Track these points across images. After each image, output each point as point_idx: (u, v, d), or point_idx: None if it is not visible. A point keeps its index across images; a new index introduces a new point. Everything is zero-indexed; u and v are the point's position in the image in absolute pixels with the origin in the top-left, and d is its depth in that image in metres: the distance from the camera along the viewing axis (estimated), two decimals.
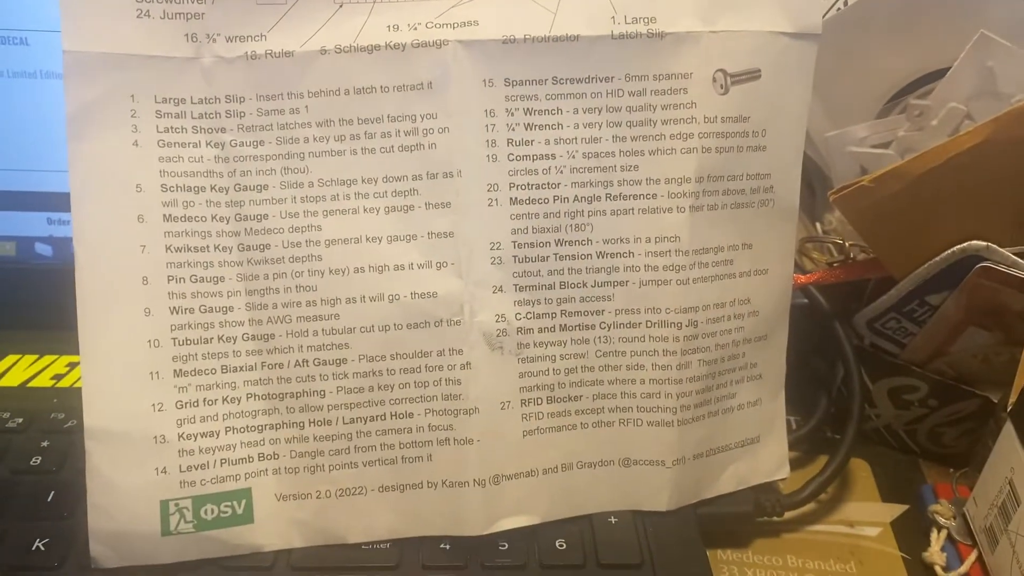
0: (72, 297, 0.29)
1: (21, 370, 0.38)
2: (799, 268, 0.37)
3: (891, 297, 0.34)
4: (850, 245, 0.36)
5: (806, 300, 0.37)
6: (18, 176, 0.37)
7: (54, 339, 0.36)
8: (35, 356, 0.38)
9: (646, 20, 0.30)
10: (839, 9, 0.37)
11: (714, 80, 0.30)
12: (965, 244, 0.31)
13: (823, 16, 0.36)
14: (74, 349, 0.29)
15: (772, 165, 0.32)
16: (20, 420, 0.35)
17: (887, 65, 0.36)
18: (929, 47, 0.35)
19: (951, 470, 0.37)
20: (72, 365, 0.38)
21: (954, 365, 0.35)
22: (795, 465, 0.36)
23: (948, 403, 0.36)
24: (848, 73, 0.36)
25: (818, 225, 0.40)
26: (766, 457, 0.34)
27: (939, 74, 0.35)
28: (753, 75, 0.31)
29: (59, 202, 0.37)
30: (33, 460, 0.33)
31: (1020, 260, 0.31)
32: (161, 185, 0.29)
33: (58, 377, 0.37)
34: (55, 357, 0.38)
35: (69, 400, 0.35)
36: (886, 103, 0.37)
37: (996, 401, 0.35)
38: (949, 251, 0.32)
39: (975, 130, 0.30)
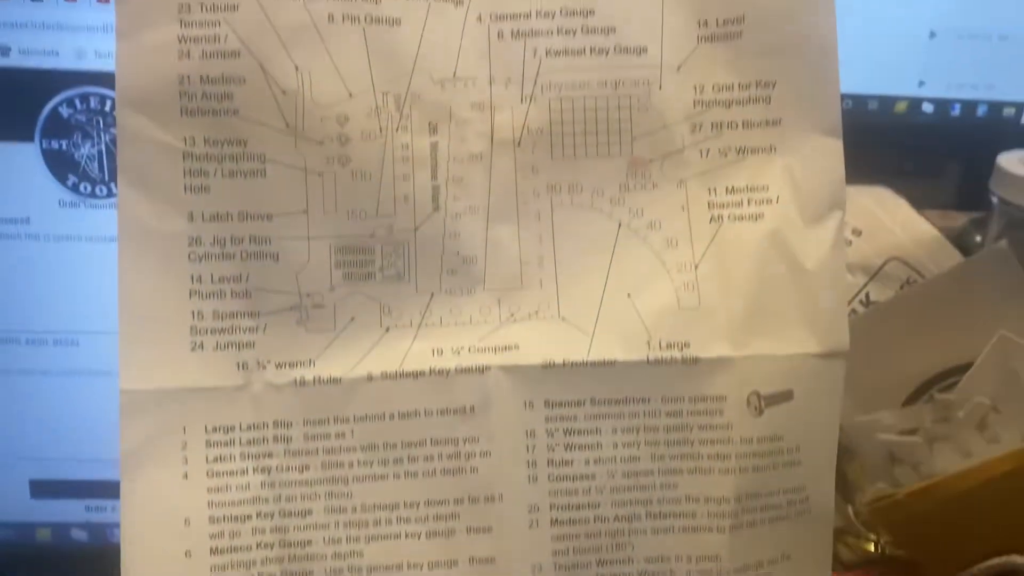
0: None
1: None
2: (837, 559, 0.36)
3: None
4: (885, 540, 0.36)
5: None
6: (59, 466, 0.38)
7: None
8: None
9: (680, 345, 0.31)
10: (860, 301, 0.39)
11: (748, 403, 0.31)
12: (1004, 559, 0.31)
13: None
14: None
15: (807, 477, 0.32)
16: None
17: (911, 359, 0.37)
18: (951, 345, 0.36)
19: None
20: None
21: None
22: None
23: None
24: (873, 365, 0.37)
25: (850, 508, 0.40)
26: None
27: (963, 368, 0.36)
28: (786, 396, 0.31)
29: (100, 490, 0.38)
30: None
31: None
32: (209, 517, 0.30)
33: None
34: None
35: None
36: (912, 392, 0.38)
37: None
38: (987, 563, 0.32)
39: (1007, 456, 0.30)
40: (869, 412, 0.38)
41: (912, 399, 0.38)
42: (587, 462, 0.31)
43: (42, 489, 0.38)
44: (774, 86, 0.31)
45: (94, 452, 0.37)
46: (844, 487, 0.41)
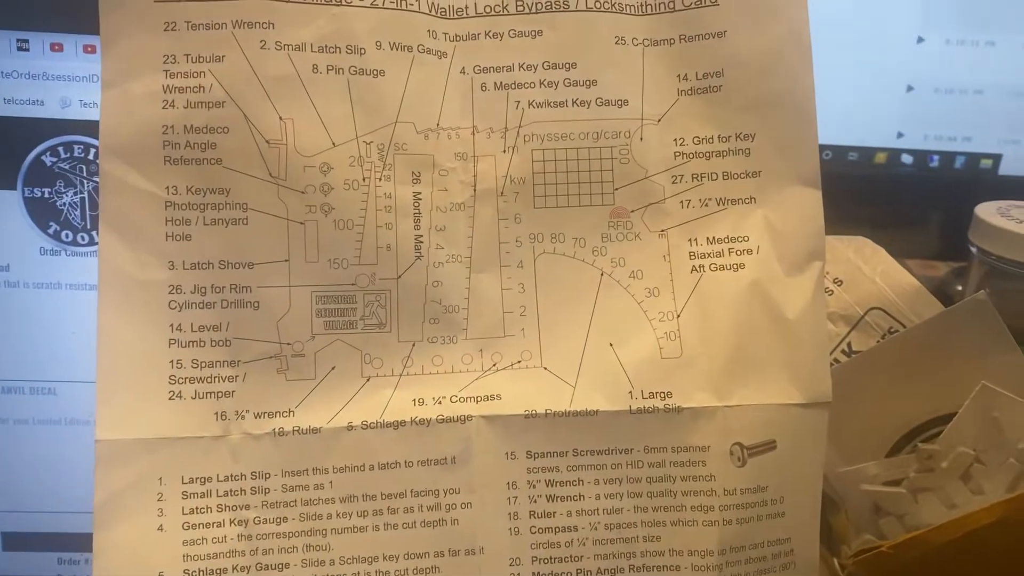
0: None
1: None
2: None
3: None
4: None
5: None
6: (32, 518, 0.37)
7: None
8: None
9: (662, 395, 0.31)
10: (843, 351, 0.39)
11: (731, 453, 0.31)
12: None
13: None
14: None
15: (791, 528, 0.32)
16: None
17: (894, 409, 0.37)
18: (933, 395, 0.36)
19: None
20: None
21: None
22: None
23: None
24: (856, 414, 0.37)
25: (835, 560, 0.39)
26: None
27: (946, 418, 0.36)
28: (769, 446, 0.31)
29: (73, 542, 0.37)
30: None
31: None
32: (184, 570, 0.29)
33: None
34: None
35: None
36: (896, 442, 0.38)
37: None
38: None
39: (990, 508, 0.30)
40: (853, 462, 0.38)
41: (896, 449, 0.38)
42: (569, 514, 0.31)
43: (14, 542, 0.37)
44: (753, 138, 0.32)
45: (68, 503, 0.37)
46: (829, 539, 0.40)
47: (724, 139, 0.32)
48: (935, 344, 0.36)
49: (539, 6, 0.32)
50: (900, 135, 0.58)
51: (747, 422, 0.31)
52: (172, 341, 0.30)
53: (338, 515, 0.30)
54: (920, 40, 0.56)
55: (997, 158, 0.58)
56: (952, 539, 0.31)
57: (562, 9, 0.32)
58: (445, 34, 0.31)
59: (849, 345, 0.39)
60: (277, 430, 0.30)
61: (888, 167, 0.59)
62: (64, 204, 0.36)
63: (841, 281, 0.41)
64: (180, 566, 0.29)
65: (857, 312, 0.40)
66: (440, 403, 0.31)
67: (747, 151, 0.32)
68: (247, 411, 0.30)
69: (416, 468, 0.30)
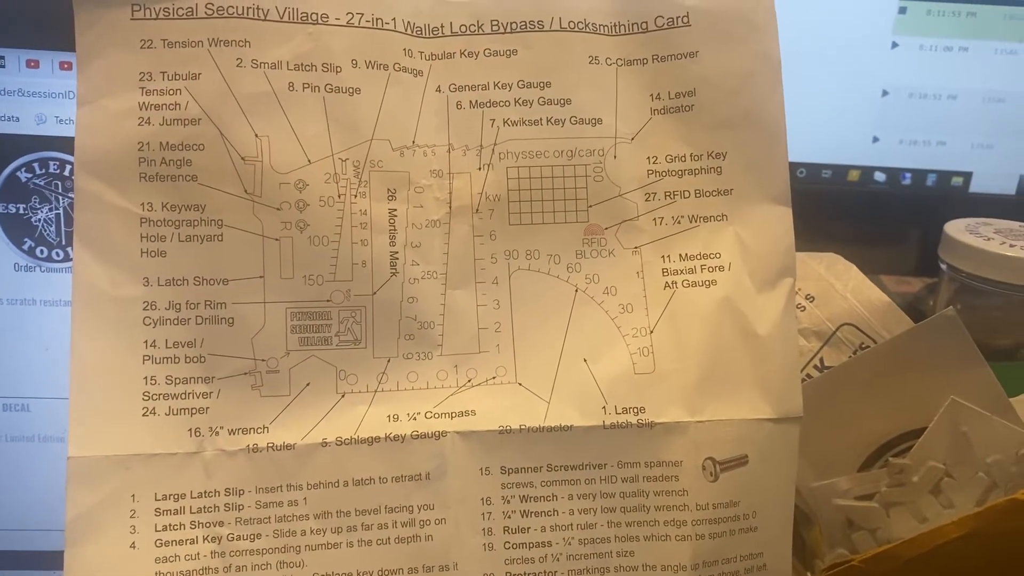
0: None
1: None
2: None
3: None
4: None
5: None
6: (15, 536, 0.37)
7: None
8: None
9: (636, 410, 0.31)
10: (815, 366, 0.39)
11: (704, 468, 0.31)
12: None
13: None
14: None
15: (764, 543, 0.32)
16: None
17: (865, 424, 0.37)
18: (904, 410, 0.37)
19: None
20: None
21: None
22: None
23: None
24: (828, 429, 0.37)
25: (808, 575, 0.40)
26: None
27: (917, 433, 0.36)
28: (741, 461, 0.32)
29: (43, 560, 0.37)
30: None
31: None
32: None
33: None
34: None
35: None
36: (868, 456, 0.38)
37: None
38: None
39: (960, 521, 0.31)
40: (825, 477, 0.38)
41: (868, 464, 0.38)
42: (543, 529, 0.31)
43: None
44: (725, 157, 0.32)
45: (40, 521, 0.36)
46: (803, 553, 0.41)
47: (696, 157, 0.32)
48: (905, 360, 0.36)
49: (514, 26, 0.32)
50: (876, 139, 0.59)
51: (719, 437, 0.32)
52: (146, 357, 0.30)
53: (312, 531, 0.30)
54: (895, 45, 0.56)
55: (968, 176, 0.59)
56: (923, 552, 0.31)
57: (537, 29, 0.32)
58: (421, 52, 0.32)
59: (821, 360, 0.40)
60: (251, 446, 0.30)
61: (861, 184, 0.60)
62: (39, 220, 0.36)
63: (813, 297, 0.41)
64: None
65: (829, 328, 0.40)
66: (415, 419, 0.31)
67: (719, 169, 0.32)
68: (221, 427, 0.30)
69: (390, 484, 0.31)
